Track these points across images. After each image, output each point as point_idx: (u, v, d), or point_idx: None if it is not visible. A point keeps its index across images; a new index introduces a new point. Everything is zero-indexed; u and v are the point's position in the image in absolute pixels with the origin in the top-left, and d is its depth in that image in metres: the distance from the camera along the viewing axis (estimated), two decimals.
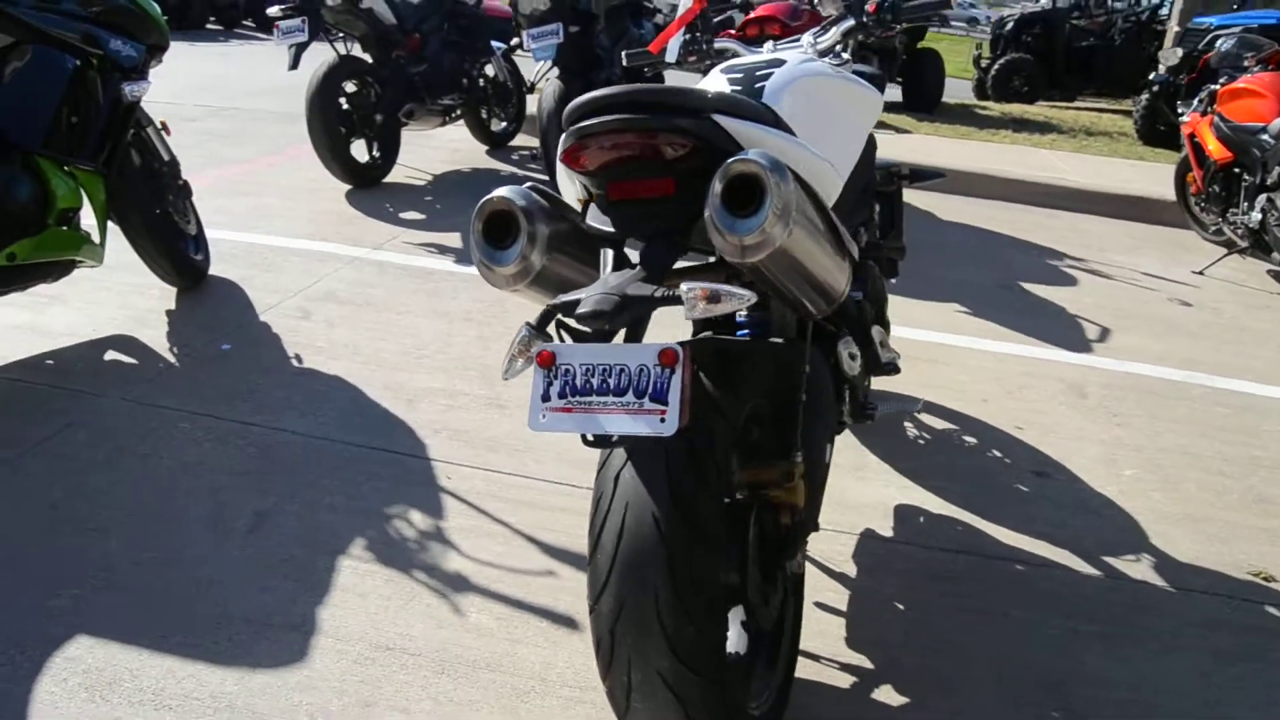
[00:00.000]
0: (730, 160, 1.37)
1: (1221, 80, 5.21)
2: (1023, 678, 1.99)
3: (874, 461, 2.79)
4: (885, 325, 2.57)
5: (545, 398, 1.37)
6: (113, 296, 3.50)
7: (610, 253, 1.57)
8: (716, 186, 1.37)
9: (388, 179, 5.40)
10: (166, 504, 2.35)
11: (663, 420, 1.31)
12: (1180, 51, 8.12)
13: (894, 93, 9.71)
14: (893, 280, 2.71)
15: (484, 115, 6.35)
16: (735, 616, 1.73)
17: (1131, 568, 2.39)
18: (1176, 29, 9.64)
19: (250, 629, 1.95)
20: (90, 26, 2.95)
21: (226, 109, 7.06)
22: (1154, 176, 6.57)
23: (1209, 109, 5.16)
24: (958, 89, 11.27)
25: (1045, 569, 2.36)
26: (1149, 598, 2.29)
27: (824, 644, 2.03)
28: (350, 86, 5.14)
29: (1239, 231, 4.83)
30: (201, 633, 1.93)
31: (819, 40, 2.45)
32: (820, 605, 2.15)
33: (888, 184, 2.68)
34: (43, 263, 2.85)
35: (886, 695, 1.91)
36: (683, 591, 1.37)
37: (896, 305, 3.93)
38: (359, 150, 5.24)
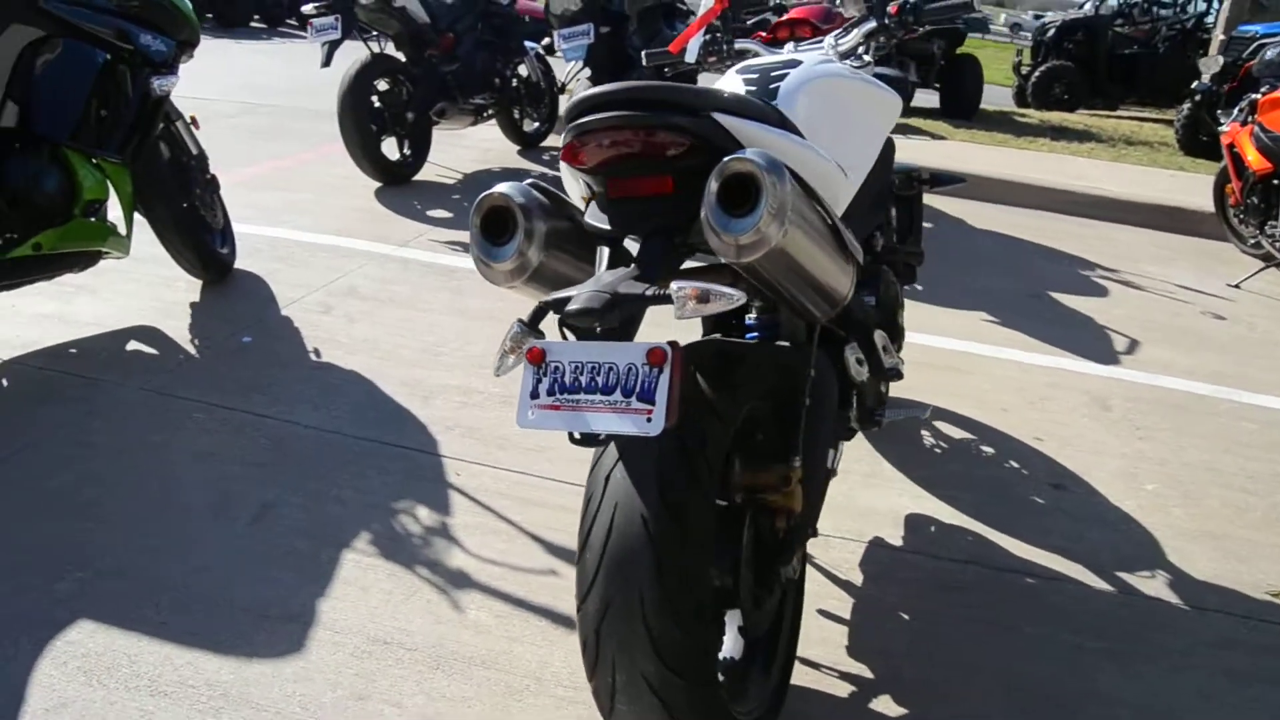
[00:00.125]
0: (727, 159, 1.36)
1: (1263, 89, 5.09)
2: (1030, 691, 1.95)
3: (887, 469, 2.76)
4: (898, 331, 2.53)
5: (534, 395, 1.36)
6: (140, 288, 3.55)
7: (606, 250, 1.56)
8: (712, 185, 1.35)
9: (418, 177, 5.43)
10: (176, 493, 2.38)
11: (649, 420, 1.29)
12: (1221, 59, 7.95)
13: (931, 98, 9.60)
14: (918, 287, 2.67)
15: (516, 115, 6.36)
16: (731, 621, 1.72)
17: (1146, 584, 2.34)
18: (1221, 37, 9.46)
19: (250, 619, 1.96)
20: (121, 21, 2.99)
21: (264, 105, 7.15)
22: (1192, 187, 6.44)
23: (1249, 119, 5.05)
24: (998, 96, 11.13)
25: (1057, 582, 2.32)
26: (1163, 615, 2.23)
27: (824, 651, 2.00)
28: (383, 84, 5.17)
29: (1277, 244, 4.72)
30: (201, 621, 1.94)
31: (840, 42, 2.43)
32: (823, 612, 2.12)
33: (907, 188, 2.66)
34: (68, 253, 2.90)
35: (885, 705, 1.88)
36: (670, 593, 1.36)
37: (922, 312, 3.89)
38: (390, 148, 5.27)
